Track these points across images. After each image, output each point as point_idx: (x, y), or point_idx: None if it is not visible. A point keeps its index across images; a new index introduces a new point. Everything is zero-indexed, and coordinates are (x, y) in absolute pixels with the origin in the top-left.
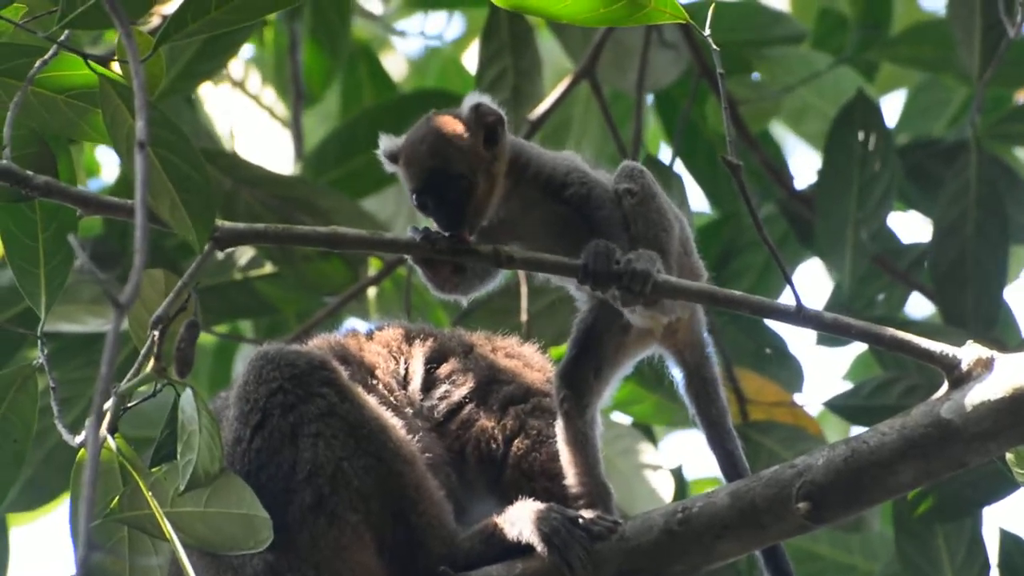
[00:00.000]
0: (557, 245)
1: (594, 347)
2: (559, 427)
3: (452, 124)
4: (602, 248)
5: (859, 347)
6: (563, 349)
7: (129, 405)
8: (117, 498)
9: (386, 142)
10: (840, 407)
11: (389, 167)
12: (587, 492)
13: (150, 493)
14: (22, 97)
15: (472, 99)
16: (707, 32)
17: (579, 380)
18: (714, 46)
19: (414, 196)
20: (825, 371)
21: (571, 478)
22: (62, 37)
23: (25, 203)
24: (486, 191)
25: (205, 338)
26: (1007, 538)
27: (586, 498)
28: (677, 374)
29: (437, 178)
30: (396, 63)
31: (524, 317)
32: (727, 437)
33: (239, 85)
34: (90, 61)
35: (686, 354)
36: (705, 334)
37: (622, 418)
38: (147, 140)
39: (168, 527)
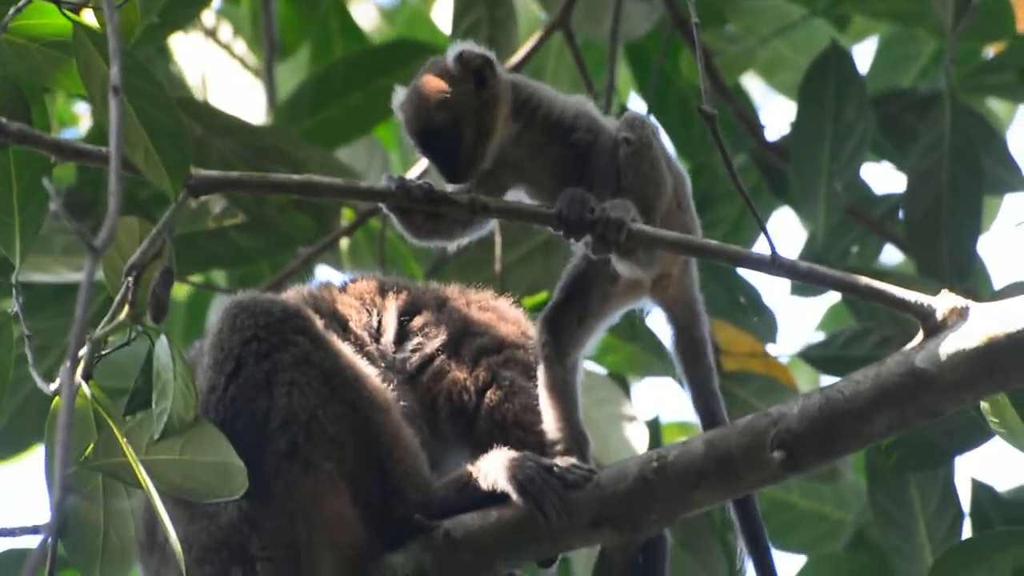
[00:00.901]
0: (560, 190)
1: (581, 294)
2: (540, 372)
3: (433, 80)
4: (577, 196)
5: (832, 298)
6: (538, 299)
7: (104, 352)
8: (92, 446)
9: (398, 95)
10: (813, 357)
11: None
12: (564, 439)
13: (125, 441)
14: None
15: (455, 48)
16: None
17: (562, 326)
18: None
19: (415, 150)
20: (798, 322)
21: (549, 424)
22: None
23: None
24: (478, 136)
25: (178, 289)
26: (978, 487)
27: (563, 444)
28: (667, 330)
29: (427, 135)
30: (366, 14)
31: (498, 268)
32: (711, 399)
33: (212, 35)
34: (64, 8)
35: (676, 310)
36: (697, 292)
37: (597, 368)
38: (121, 86)
39: (143, 475)
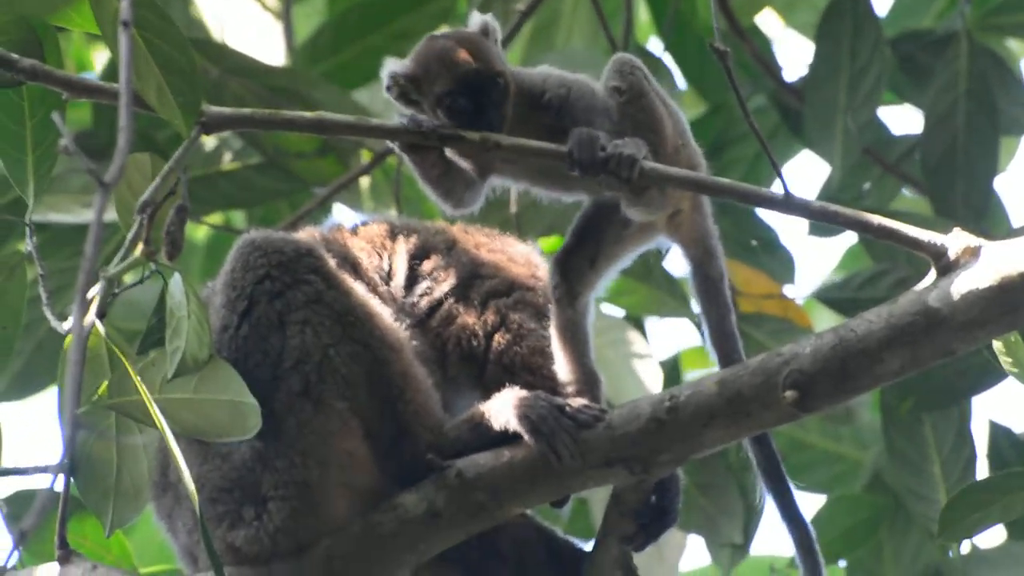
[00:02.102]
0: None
1: (593, 236)
2: (552, 313)
3: (474, 34)
4: (585, 135)
5: (850, 239)
6: (552, 242)
7: (117, 291)
8: (105, 384)
9: (396, 64)
10: (830, 299)
11: (394, 93)
12: (575, 379)
13: (138, 379)
14: None
15: (479, 17)
16: None
17: (574, 268)
18: None
19: (448, 99)
20: (817, 263)
21: (560, 365)
22: None
23: (12, 89)
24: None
25: (197, 230)
26: (995, 429)
27: (574, 385)
28: (684, 267)
29: (478, 78)
30: None
31: (513, 210)
32: (726, 339)
33: None
34: None
35: (691, 247)
36: (711, 227)
37: (613, 310)
38: (131, 19)
39: (157, 413)
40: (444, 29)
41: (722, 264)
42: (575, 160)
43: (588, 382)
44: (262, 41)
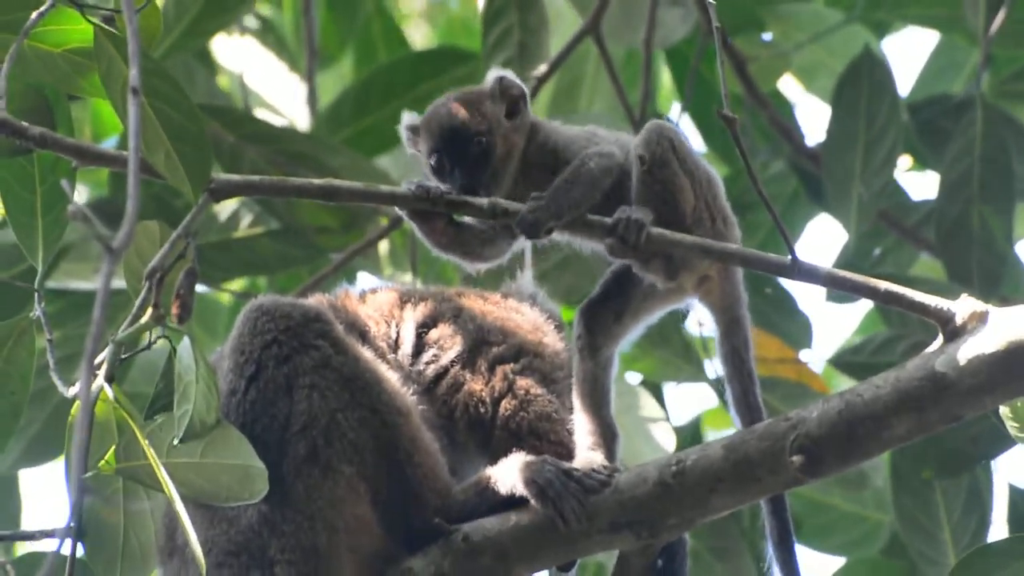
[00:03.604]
0: None
1: (621, 291)
2: (574, 364)
3: (475, 91)
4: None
5: (868, 304)
6: (569, 309)
7: (125, 356)
8: (112, 449)
9: (408, 118)
10: (844, 363)
11: (409, 143)
12: (592, 432)
13: (146, 443)
14: (16, 50)
15: (496, 72)
16: None
17: (599, 321)
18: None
19: (433, 156)
20: (837, 329)
21: (578, 417)
22: None
23: (23, 156)
24: (503, 157)
25: (220, 295)
26: (1015, 492)
27: (591, 437)
28: (713, 333)
29: (456, 136)
30: (415, 28)
31: (529, 274)
32: (748, 411)
33: (259, 36)
34: (85, 13)
35: (719, 314)
36: (741, 294)
37: (629, 376)
38: (140, 87)
39: (164, 478)
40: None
41: (748, 334)
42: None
43: (605, 435)
44: (289, 104)
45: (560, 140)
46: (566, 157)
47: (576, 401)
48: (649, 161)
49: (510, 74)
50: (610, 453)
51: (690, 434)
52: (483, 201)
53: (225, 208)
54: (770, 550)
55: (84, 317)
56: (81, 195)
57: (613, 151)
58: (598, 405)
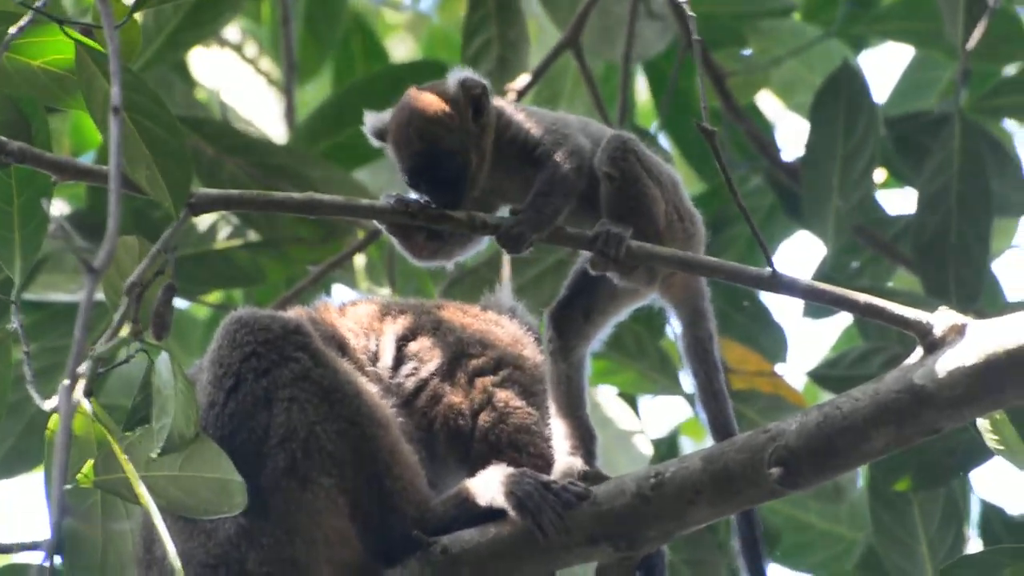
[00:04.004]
0: None
1: (587, 291)
2: (546, 367)
3: (437, 103)
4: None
5: (846, 319)
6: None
7: (103, 370)
8: (91, 462)
9: (371, 119)
10: (821, 377)
11: (376, 143)
12: (570, 434)
13: (124, 457)
14: None
15: (457, 74)
16: (684, 0)
17: (568, 321)
18: (689, 12)
19: (404, 175)
20: (814, 343)
21: (554, 419)
22: (38, 3)
23: (1, 169)
24: (478, 165)
25: (197, 309)
26: (987, 508)
27: (569, 440)
28: (675, 327)
29: (429, 159)
30: (398, 43)
31: (508, 285)
32: (715, 398)
33: (236, 48)
34: (65, 27)
35: (682, 308)
36: (704, 288)
37: (605, 388)
38: (121, 105)
39: (142, 491)
40: (429, 83)
41: (712, 326)
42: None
43: (584, 437)
44: (266, 116)
45: (530, 135)
46: (537, 152)
47: (552, 405)
48: (620, 179)
49: (470, 73)
50: (589, 454)
51: (667, 447)
52: (462, 215)
53: (203, 220)
54: (740, 562)
55: (61, 329)
56: (59, 207)
57: (583, 145)
58: (574, 407)
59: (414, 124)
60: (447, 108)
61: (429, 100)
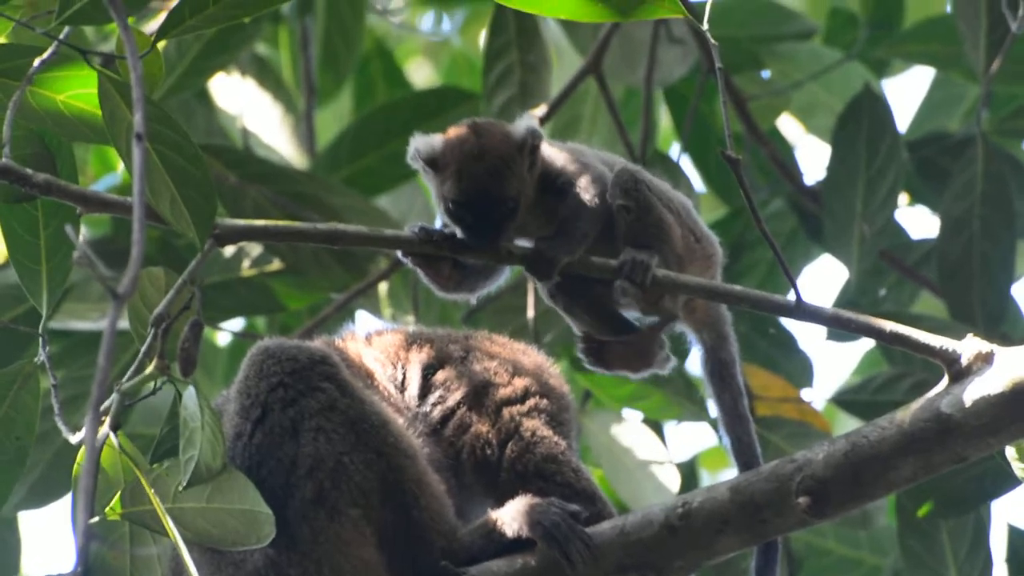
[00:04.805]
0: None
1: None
2: None
3: (508, 146)
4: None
5: (868, 344)
6: (571, 348)
7: (130, 403)
8: (118, 494)
9: (422, 142)
10: (847, 402)
11: (419, 166)
12: None
13: (151, 490)
14: (20, 96)
15: (526, 122)
16: (705, 27)
17: (600, 350)
18: (712, 40)
19: (453, 205)
20: (837, 367)
21: None
22: (62, 35)
23: (27, 202)
24: (525, 209)
25: (212, 335)
26: (1014, 533)
27: None
28: (697, 352)
29: (488, 199)
30: (418, 67)
31: (531, 314)
32: (739, 422)
33: (256, 76)
34: (89, 57)
35: (704, 332)
36: (725, 312)
37: (630, 413)
38: (145, 133)
39: (170, 523)
40: (488, 119)
41: (735, 349)
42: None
43: None
44: (288, 144)
45: (553, 165)
46: (560, 181)
47: None
48: (636, 210)
49: (536, 123)
50: None
51: (686, 473)
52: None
53: (227, 248)
54: None
55: (86, 358)
56: (83, 234)
57: (603, 172)
58: None
59: (486, 162)
60: (515, 153)
61: (500, 140)
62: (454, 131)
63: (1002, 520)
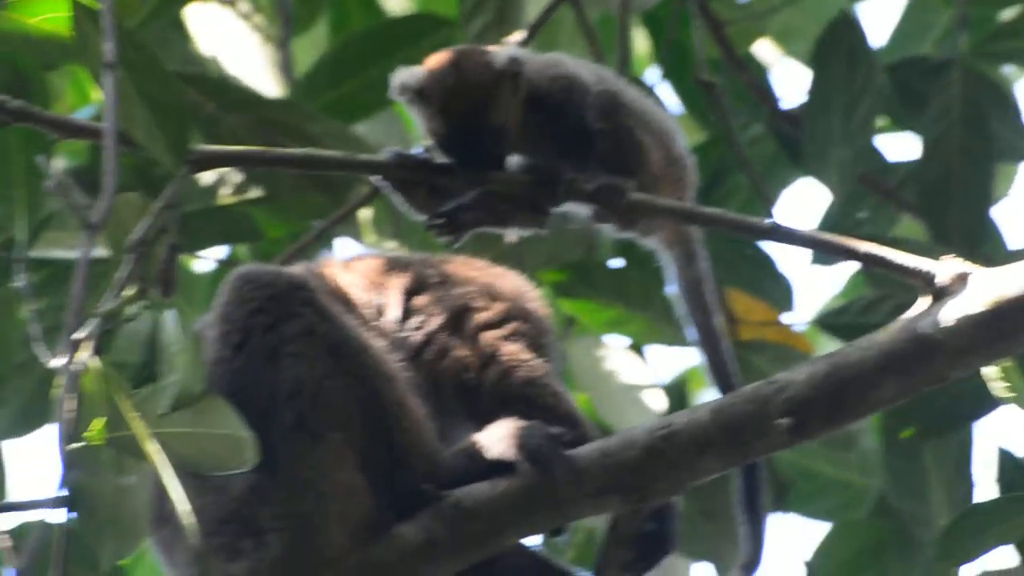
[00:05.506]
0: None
1: None
2: None
3: (488, 75)
4: (568, 169)
5: (853, 269)
6: (552, 274)
7: (109, 327)
8: (102, 420)
9: (405, 76)
10: (829, 324)
11: (403, 99)
12: None
13: (134, 415)
14: None
15: (508, 51)
16: None
17: None
18: None
19: (440, 138)
20: (820, 291)
21: None
22: None
23: (1, 129)
24: (512, 132)
25: (201, 263)
26: (1004, 455)
27: None
28: (669, 269)
29: (473, 129)
30: None
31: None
32: (712, 338)
33: (231, 4)
34: None
35: (673, 249)
36: (694, 230)
37: (614, 339)
38: (115, 61)
39: (152, 448)
40: (472, 47)
41: (705, 266)
42: (556, 196)
43: None
44: (264, 70)
45: (540, 85)
46: (547, 103)
47: None
48: (612, 133)
49: (517, 51)
50: None
51: (675, 395)
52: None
53: (206, 176)
54: (739, 511)
55: (67, 287)
56: (60, 164)
57: (587, 87)
58: None
59: (467, 95)
60: (496, 82)
61: (479, 71)
62: (435, 63)
63: (989, 443)
